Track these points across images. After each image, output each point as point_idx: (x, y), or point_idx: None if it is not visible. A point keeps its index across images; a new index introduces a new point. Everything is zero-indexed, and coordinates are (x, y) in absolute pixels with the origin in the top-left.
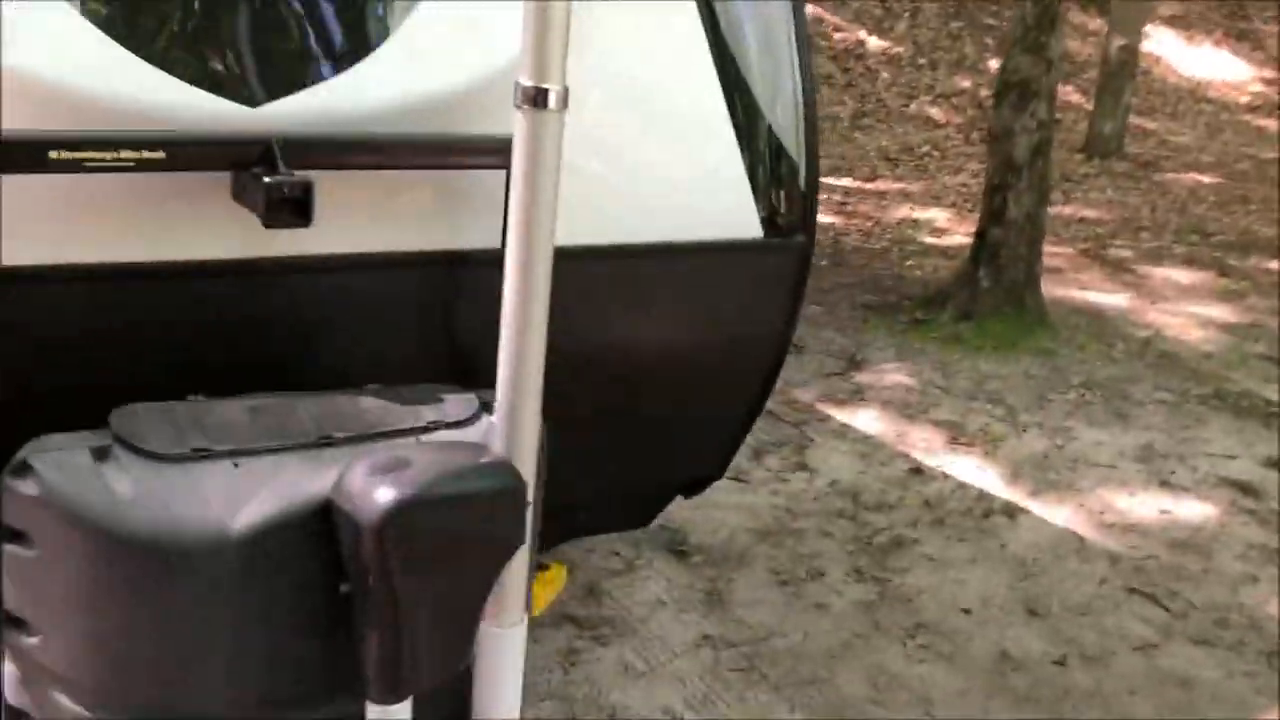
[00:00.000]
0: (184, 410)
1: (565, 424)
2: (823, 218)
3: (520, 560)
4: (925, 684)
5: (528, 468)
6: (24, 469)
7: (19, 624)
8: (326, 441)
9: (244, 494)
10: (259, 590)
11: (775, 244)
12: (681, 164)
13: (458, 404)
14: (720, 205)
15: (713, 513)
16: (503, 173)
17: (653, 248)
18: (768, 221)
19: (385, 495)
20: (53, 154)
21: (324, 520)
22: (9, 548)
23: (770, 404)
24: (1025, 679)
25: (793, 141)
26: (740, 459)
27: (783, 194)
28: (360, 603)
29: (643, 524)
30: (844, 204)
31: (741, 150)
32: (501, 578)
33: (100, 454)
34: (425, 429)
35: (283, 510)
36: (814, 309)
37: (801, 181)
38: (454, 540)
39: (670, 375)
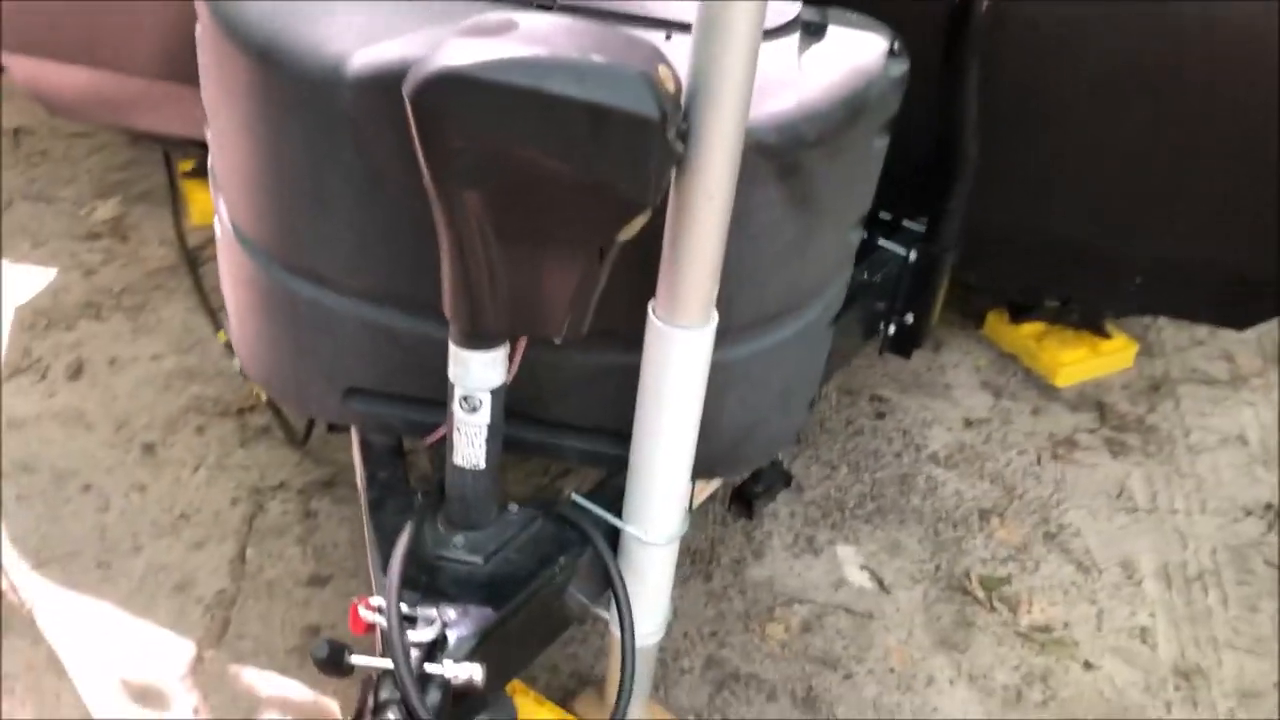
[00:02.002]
0: None
1: (1139, 164)
2: None
3: (702, 253)
4: None
5: (725, 105)
6: None
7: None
8: (544, 4)
9: (395, 32)
10: (378, 145)
11: None
12: None
13: (776, 9)
14: None
15: None
16: None
17: None
18: None
19: (439, 60)
20: None
21: None
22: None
23: None
24: None
25: None
26: None
27: None
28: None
29: (1238, 325)
30: None
31: None
32: (675, 268)
33: None
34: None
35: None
36: None
37: None
38: (524, 152)
39: None
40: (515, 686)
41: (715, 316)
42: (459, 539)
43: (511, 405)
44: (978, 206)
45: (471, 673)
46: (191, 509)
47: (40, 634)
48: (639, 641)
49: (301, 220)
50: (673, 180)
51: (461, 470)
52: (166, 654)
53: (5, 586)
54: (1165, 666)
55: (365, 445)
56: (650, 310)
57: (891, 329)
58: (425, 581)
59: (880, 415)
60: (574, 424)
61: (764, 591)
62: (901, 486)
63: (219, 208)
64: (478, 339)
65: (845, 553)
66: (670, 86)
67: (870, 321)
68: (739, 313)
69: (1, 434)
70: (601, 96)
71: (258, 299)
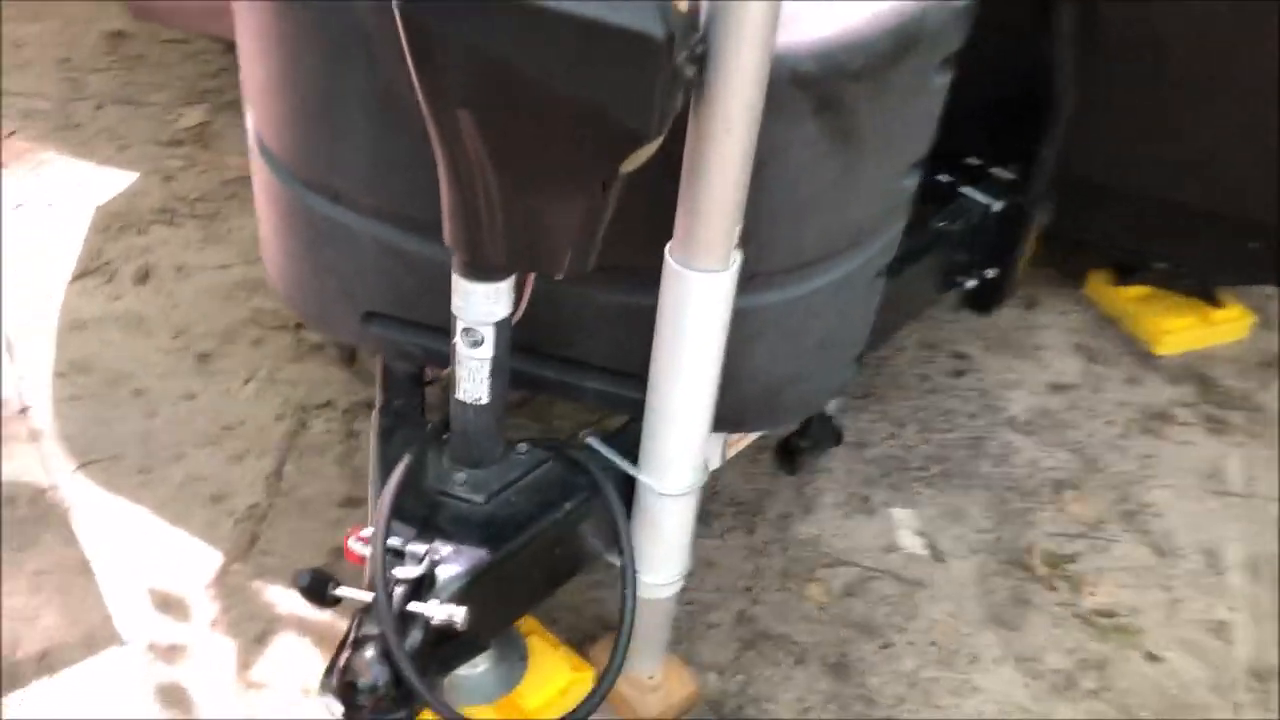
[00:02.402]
0: None
1: (1256, 117)
2: None
3: (720, 191)
4: None
5: (747, 27)
6: None
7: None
8: None
9: None
10: (391, 60)
11: None
12: None
13: None
14: None
15: None
16: None
17: None
18: None
19: None
20: None
21: None
22: None
23: None
24: None
25: None
26: None
27: None
28: None
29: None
30: None
31: None
32: (692, 207)
33: None
34: None
35: None
36: None
37: None
38: (516, 72)
39: None
40: (532, 626)
41: (737, 259)
42: (462, 475)
43: (529, 340)
44: (1077, 157)
45: (452, 614)
46: (236, 421)
47: (74, 534)
48: (651, 593)
49: (317, 135)
50: (692, 111)
51: (464, 405)
52: (193, 564)
53: (47, 485)
54: (1239, 665)
55: (386, 372)
56: (667, 251)
57: (971, 283)
58: (424, 516)
59: (959, 373)
60: (594, 364)
61: (808, 550)
62: (972, 450)
63: (247, 120)
64: (479, 271)
65: (901, 516)
66: (683, 4)
67: (947, 273)
68: (770, 258)
69: (63, 334)
70: (600, 12)
71: (282, 214)
